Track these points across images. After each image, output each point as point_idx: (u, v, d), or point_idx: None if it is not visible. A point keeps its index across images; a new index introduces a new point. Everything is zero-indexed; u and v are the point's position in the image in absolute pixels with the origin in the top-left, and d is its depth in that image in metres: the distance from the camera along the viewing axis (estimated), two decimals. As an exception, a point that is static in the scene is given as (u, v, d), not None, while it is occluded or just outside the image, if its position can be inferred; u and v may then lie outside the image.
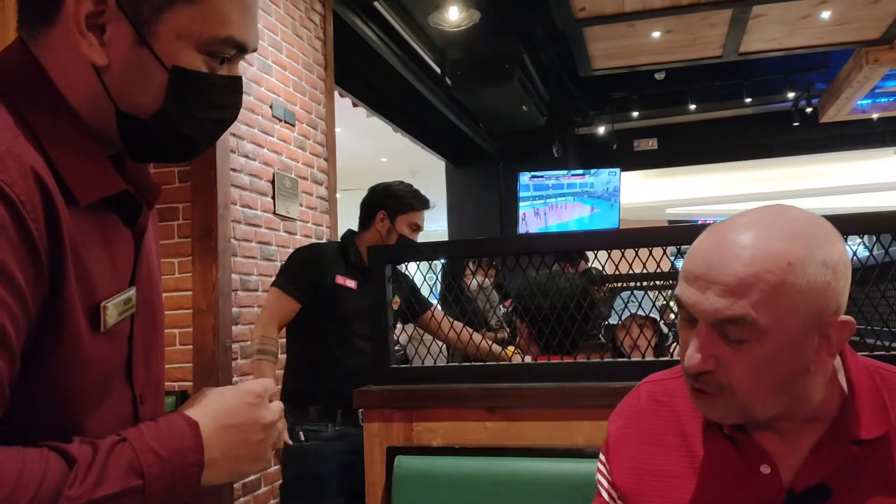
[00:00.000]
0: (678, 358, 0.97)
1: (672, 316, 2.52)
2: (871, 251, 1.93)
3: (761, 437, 0.93)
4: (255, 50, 0.85)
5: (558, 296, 1.78)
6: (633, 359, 1.72)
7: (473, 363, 1.75)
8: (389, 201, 2.62)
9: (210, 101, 0.81)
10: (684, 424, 1.00)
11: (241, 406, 0.82)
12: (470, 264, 4.55)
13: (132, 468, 0.71)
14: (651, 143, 8.70)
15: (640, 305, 2.00)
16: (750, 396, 0.86)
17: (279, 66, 3.48)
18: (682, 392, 1.01)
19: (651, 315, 2.33)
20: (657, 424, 1.03)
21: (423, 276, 2.00)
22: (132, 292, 0.81)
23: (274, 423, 0.84)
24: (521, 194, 7.50)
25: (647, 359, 1.78)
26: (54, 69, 0.76)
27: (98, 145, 0.78)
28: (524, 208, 7.50)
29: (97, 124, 0.78)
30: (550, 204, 7.51)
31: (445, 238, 8.90)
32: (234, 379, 2.99)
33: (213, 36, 0.77)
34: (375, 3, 4.58)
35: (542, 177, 7.55)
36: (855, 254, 1.80)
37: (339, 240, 2.83)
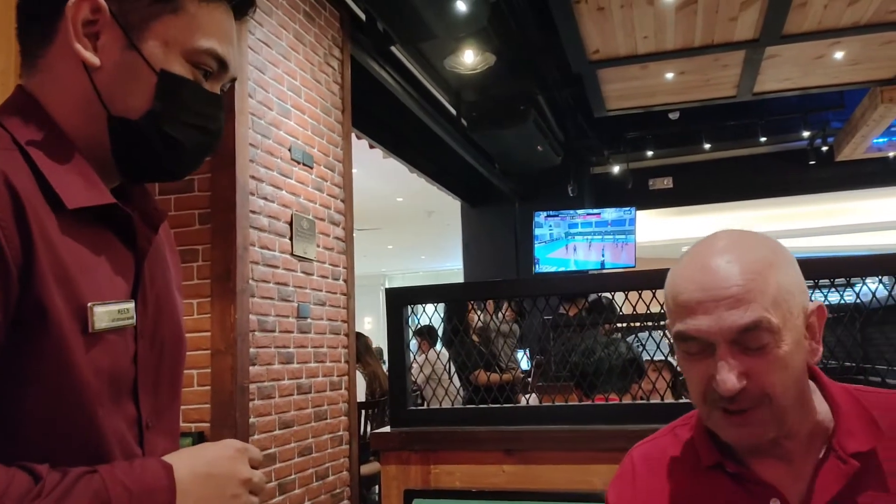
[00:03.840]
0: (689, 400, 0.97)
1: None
2: (890, 292, 1.92)
3: (763, 469, 0.93)
4: (234, 79, 0.92)
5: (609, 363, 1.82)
6: (651, 401, 1.71)
7: (491, 405, 1.74)
8: None
9: (195, 107, 0.87)
10: (684, 475, 1.00)
11: (220, 458, 0.83)
12: (473, 304, 4.55)
13: (98, 497, 0.71)
14: (666, 182, 8.70)
15: (658, 347, 2.00)
16: (785, 400, 0.88)
17: (298, 109, 3.55)
18: (676, 446, 1.02)
19: (669, 359, 2.32)
20: (656, 482, 1.02)
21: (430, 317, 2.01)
22: (130, 305, 0.83)
23: (251, 480, 0.84)
24: (537, 232, 7.51)
25: (667, 401, 1.77)
26: (49, 88, 0.84)
27: (86, 161, 0.83)
28: (577, 241, 7.47)
29: (90, 135, 0.84)
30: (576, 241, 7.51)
31: (461, 277, 8.91)
32: (251, 420, 2.99)
33: (197, 46, 0.85)
34: (392, 48, 4.66)
35: (557, 216, 7.57)
36: (874, 294, 1.80)
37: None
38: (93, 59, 0.82)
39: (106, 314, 0.79)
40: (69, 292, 0.76)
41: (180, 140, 0.86)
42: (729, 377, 0.86)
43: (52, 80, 0.84)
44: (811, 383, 0.96)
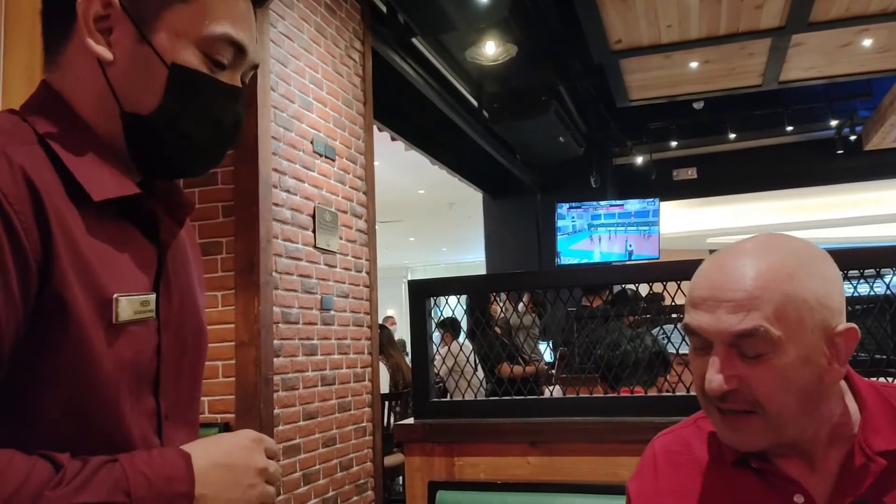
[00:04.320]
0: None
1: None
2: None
3: (787, 465, 0.92)
4: (256, 65, 0.90)
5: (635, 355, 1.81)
6: (677, 393, 1.70)
7: (514, 397, 1.74)
8: None
9: (207, 101, 0.85)
10: (706, 469, 0.99)
11: (238, 448, 0.83)
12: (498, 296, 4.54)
13: (119, 485, 0.73)
14: (690, 173, 8.61)
15: (683, 340, 1.98)
16: (780, 412, 0.87)
17: (320, 102, 3.55)
18: (699, 438, 1.01)
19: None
20: (677, 475, 1.01)
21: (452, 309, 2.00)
22: (151, 297, 0.83)
23: (267, 469, 0.85)
24: (559, 223, 7.48)
25: (692, 393, 1.75)
26: (69, 83, 0.84)
27: (112, 157, 0.83)
28: (600, 232, 7.45)
29: (108, 130, 0.84)
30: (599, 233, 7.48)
31: (483, 269, 8.90)
32: (276, 411, 3.01)
33: (209, 33, 0.83)
34: (413, 40, 4.65)
35: (579, 207, 7.52)
36: (905, 285, 1.76)
37: None
38: (105, 53, 0.82)
39: (129, 306, 0.80)
40: (91, 285, 0.77)
41: (192, 136, 0.85)
42: (716, 377, 0.87)
43: (71, 76, 0.84)
44: (840, 380, 0.94)
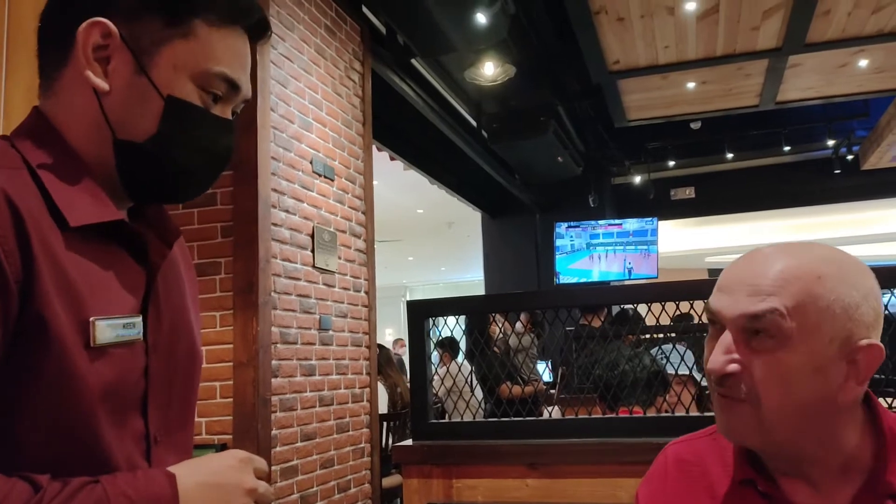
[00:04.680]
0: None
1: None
2: (921, 303, 1.88)
3: (794, 491, 0.90)
4: (248, 99, 0.92)
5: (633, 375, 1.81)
6: (676, 414, 1.69)
7: (513, 418, 1.73)
8: None
9: (201, 132, 0.87)
10: (715, 484, 0.97)
11: (225, 468, 0.82)
12: (497, 316, 4.54)
13: None
14: (688, 192, 8.64)
15: (682, 360, 1.98)
16: (775, 411, 0.85)
17: (319, 123, 3.57)
18: (712, 452, 1.00)
19: (692, 373, 2.29)
20: (687, 486, 1.00)
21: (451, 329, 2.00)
22: (137, 319, 0.83)
23: (256, 490, 0.84)
24: (558, 243, 7.48)
25: (692, 414, 1.74)
26: (62, 110, 0.85)
27: (97, 182, 0.84)
28: (599, 251, 7.45)
29: (99, 156, 0.85)
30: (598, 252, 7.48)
31: (482, 288, 8.89)
32: (273, 432, 2.99)
33: (205, 69, 0.85)
34: (413, 61, 4.68)
35: (578, 226, 7.54)
36: (904, 306, 1.76)
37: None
38: (102, 84, 0.83)
39: (109, 329, 0.80)
40: (73, 307, 0.77)
41: (184, 164, 0.87)
42: (720, 358, 0.86)
43: (65, 103, 0.85)
44: (861, 410, 0.90)
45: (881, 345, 0.84)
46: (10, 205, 0.75)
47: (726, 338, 0.87)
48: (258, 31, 0.92)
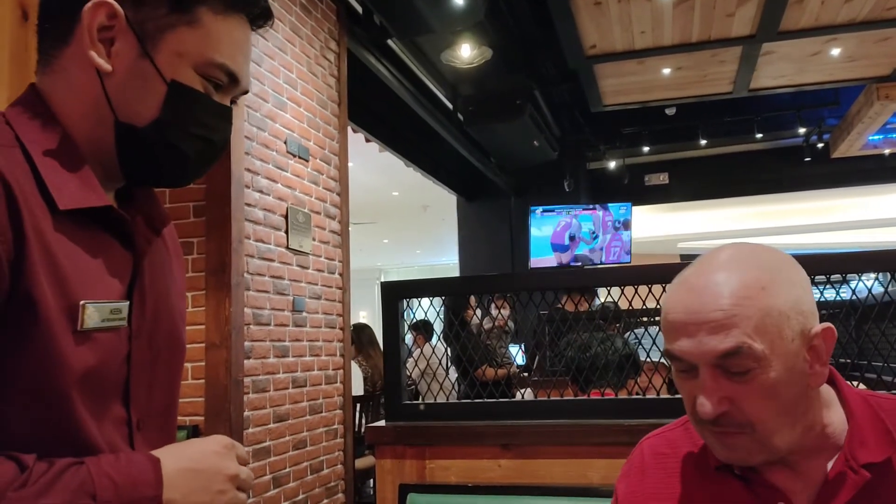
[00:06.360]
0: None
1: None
2: (886, 288, 1.92)
3: (772, 474, 0.93)
4: (246, 91, 0.92)
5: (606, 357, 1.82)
6: (648, 396, 1.71)
7: (487, 400, 1.74)
8: None
9: (202, 118, 0.87)
10: (692, 473, 1.00)
11: (208, 454, 0.83)
12: (473, 299, 4.54)
13: (84, 488, 0.72)
14: (662, 178, 8.71)
15: (654, 343, 2.00)
16: (770, 428, 0.87)
17: (294, 102, 3.53)
18: (686, 441, 1.02)
19: (663, 360, 2.32)
20: (664, 477, 1.02)
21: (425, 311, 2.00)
22: (124, 305, 0.83)
23: (238, 476, 0.84)
24: (533, 226, 7.50)
25: (663, 396, 1.77)
26: (61, 88, 0.84)
27: (88, 163, 0.84)
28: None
29: (96, 137, 0.84)
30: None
31: (456, 271, 8.91)
32: (246, 413, 2.98)
33: (209, 59, 0.85)
34: (389, 42, 4.65)
35: (553, 210, 7.56)
36: (870, 290, 1.80)
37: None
38: (105, 65, 0.83)
39: (97, 313, 0.79)
40: (61, 289, 0.77)
41: (184, 150, 0.86)
42: (707, 403, 0.87)
43: (64, 82, 0.84)
44: (829, 390, 0.95)
45: (832, 325, 0.90)
46: (4, 182, 0.74)
47: (705, 378, 0.88)
48: (261, 19, 0.91)
